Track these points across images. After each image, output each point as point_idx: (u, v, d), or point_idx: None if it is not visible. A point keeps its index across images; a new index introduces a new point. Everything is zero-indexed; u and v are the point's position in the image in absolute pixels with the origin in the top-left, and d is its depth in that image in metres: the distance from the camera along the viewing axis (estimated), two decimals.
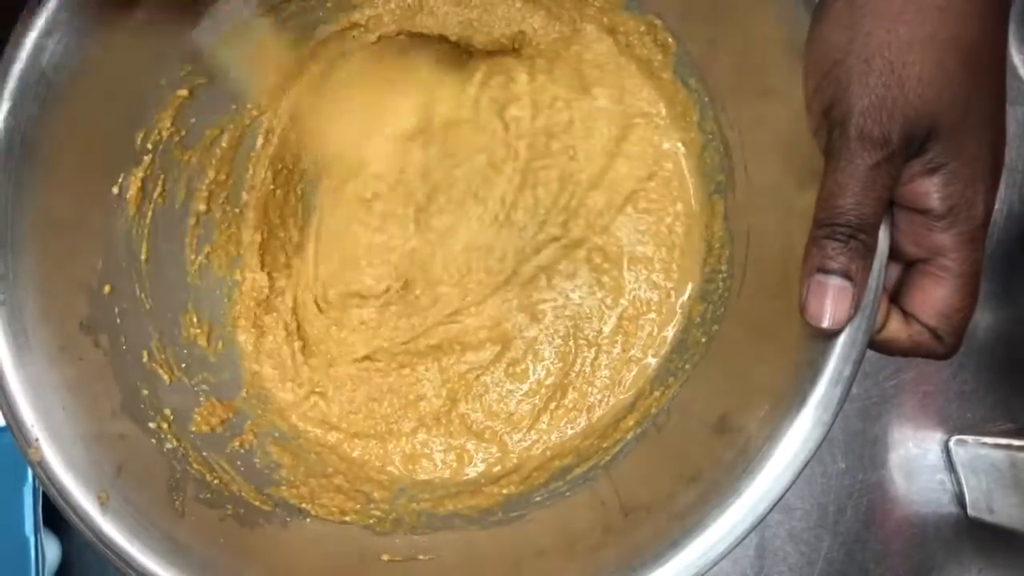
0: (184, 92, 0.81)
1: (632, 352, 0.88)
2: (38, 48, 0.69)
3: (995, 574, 0.97)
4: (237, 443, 0.82)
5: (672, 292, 0.88)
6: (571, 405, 0.88)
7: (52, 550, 0.91)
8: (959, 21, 0.55)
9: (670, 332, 0.87)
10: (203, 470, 0.76)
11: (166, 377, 0.80)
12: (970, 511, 0.96)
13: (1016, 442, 0.89)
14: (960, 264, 0.58)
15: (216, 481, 0.76)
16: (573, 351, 0.89)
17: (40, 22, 0.69)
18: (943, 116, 0.55)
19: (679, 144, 0.89)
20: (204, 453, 0.78)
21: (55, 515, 0.92)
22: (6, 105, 0.69)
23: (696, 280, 0.86)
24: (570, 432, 0.88)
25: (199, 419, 0.80)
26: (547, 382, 0.89)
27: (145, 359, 0.79)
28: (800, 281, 0.59)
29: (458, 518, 0.80)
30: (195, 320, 0.87)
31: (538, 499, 0.80)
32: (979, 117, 0.57)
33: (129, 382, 0.76)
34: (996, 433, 0.94)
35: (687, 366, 0.81)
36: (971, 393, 0.98)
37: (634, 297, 0.89)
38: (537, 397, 0.89)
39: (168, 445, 0.75)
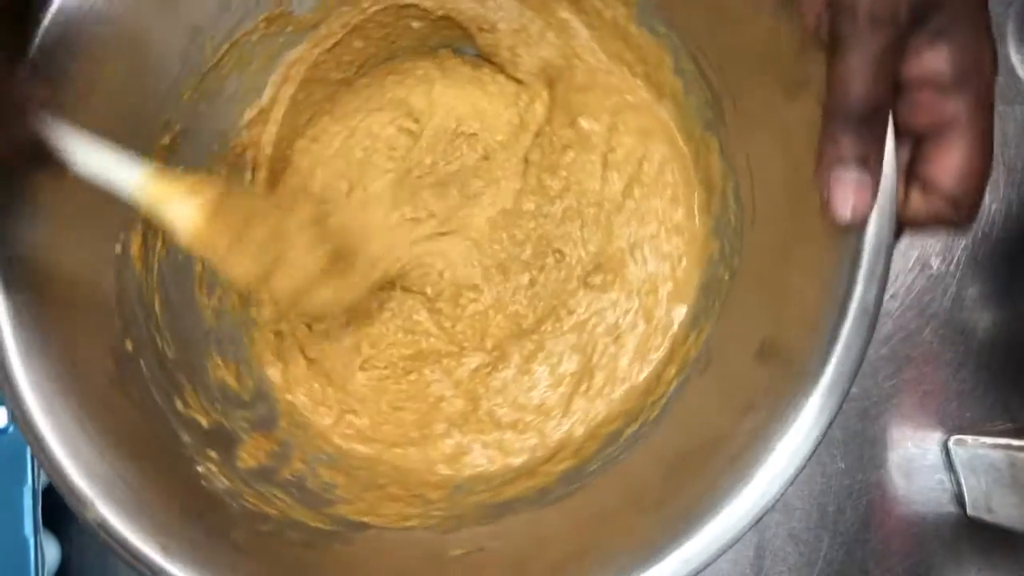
0: (166, 140, 0.81)
1: (656, 319, 0.88)
2: None
3: (994, 574, 0.96)
4: (287, 472, 0.82)
5: (683, 253, 0.88)
6: (602, 384, 0.88)
7: (52, 551, 0.91)
8: None
9: (693, 287, 0.87)
10: (259, 503, 0.76)
11: (204, 421, 0.80)
12: (969, 511, 0.95)
13: (1015, 442, 0.88)
14: (975, 125, 0.58)
15: (274, 511, 0.76)
16: (591, 343, 0.89)
17: None
18: None
19: (661, 107, 0.89)
20: (257, 486, 0.78)
21: (55, 516, 0.92)
22: None
23: (705, 228, 0.86)
24: (608, 406, 0.87)
25: (245, 455, 0.81)
26: (570, 371, 0.89)
27: (180, 407, 0.79)
28: (817, 177, 0.58)
29: (518, 502, 0.80)
30: (220, 363, 0.87)
31: (594, 467, 0.79)
32: None
33: (170, 431, 0.76)
34: (995, 433, 0.93)
35: (716, 305, 0.81)
36: (970, 393, 0.98)
37: (647, 275, 0.89)
38: (563, 385, 0.89)
39: (220, 485, 0.75)
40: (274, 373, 0.91)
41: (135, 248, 0.80)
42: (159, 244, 0.83)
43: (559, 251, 0.91)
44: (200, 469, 0.75)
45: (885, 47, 0.55)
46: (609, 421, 0.85)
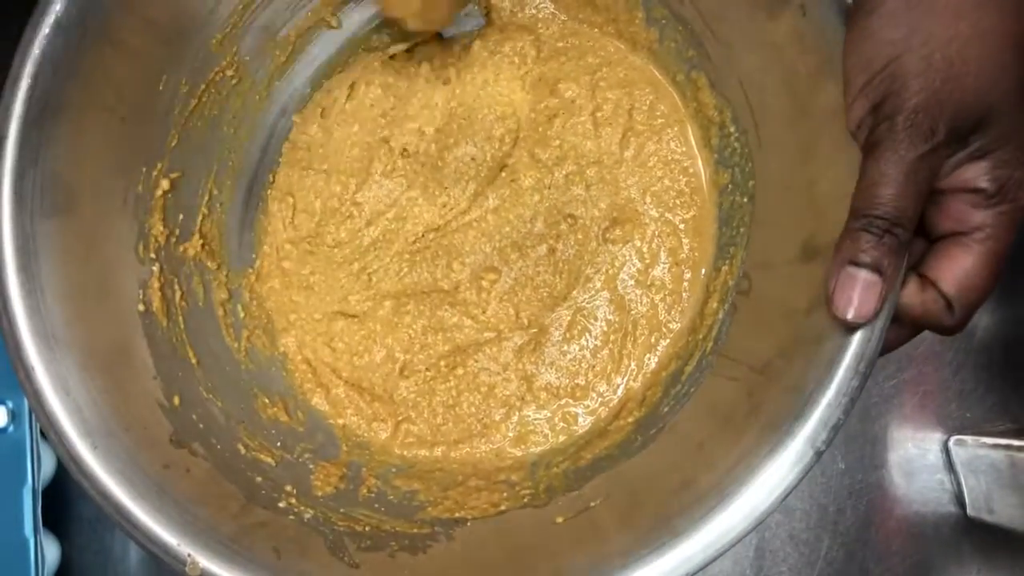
0: (166, 184, 0.82)
1: (682, 258, 0.89)
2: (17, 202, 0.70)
3: (994, 574, 0.97)
4: (364, 490, 0.82)
5: (693, 190, 0.89)
6: (647, 332, 0.89)
7: (52, 551, 0.90)
8: (1016, 17, 0.57)
9: (711, 219, 0.87)
10: (349, 524, 0.75)
11: (270, 460, 0.80)
12: (969, 511, 0.96)
13: (1015, 442, 0.89)
14: (995, 240, 0.59)
15: (367, 528, 0.75)
16: (625, 295, 0.90)
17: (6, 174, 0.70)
18: (995, 106, 0.56)
19: (637, 57, 0.91)
20: (342, 510, 0.77)
21: (55, 516, 0.92)
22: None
23: (709, 161, 0.88)
24: (659, 352, 0.88)
25: (319, 484, 0.80)
26: (612, 328, 0.89)
27: (243, 451, 0.79)
28: (830, 268, 0.59)
29: (602, 460, 0.80)
30: (267, 401, 0.86)
31: (666, 409, 0.80)
32: None
33: (240, 476, 0.76)
34: (995, 433, 0.94)
35: (741, 230, 0.82)
36: (971, 393, 0.98)
37: (663, 218, 0.90)
38: (610, 343, 0.89)
39: (306, 516, 0.75)
40: (319, 401, 0.91)
41: (156, 303, 0.80)
42: (178, 295, 0.83)
43: (571, 216, 0.92)
44: (282, 505, 0.75)
45: (919, 157, 0.56)
46: (664, 366, 0.86)
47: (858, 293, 0.57)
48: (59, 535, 0.94)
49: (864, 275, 0.57)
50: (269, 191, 0.96)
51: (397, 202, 0.94)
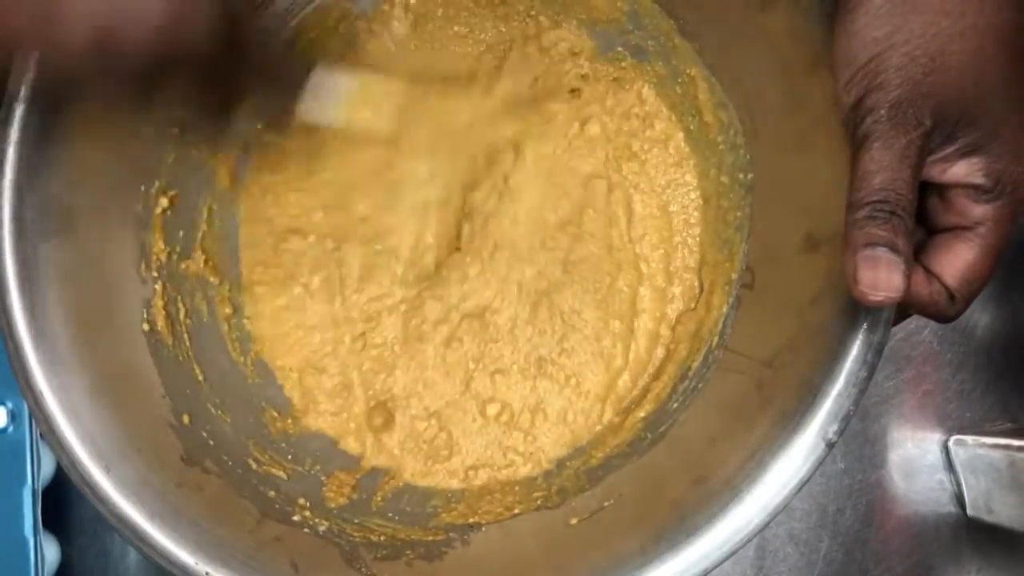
0: (165, 201, 0.82)
1: (678, 252, 0.88)
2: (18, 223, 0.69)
3: (994, 574, 0.97)
4: (379, 497, 0.82)
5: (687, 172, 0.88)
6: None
7: (51, 552, 0.90)
8: (997, 9, 0.57)
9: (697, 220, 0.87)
10: (365, 534, 0.75)
11: (282, 474, 0.79)
12: (969, 511, 0.96)
13: (1015, 442, 0.89)
14: (995, 234, 0.60)
15: (382, 537, 0.75)
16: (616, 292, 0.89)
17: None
18: (980, 100, 0.57)
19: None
20: (356, 520, 0.77)
21: (55, 516, 0.91)
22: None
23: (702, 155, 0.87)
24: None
25: (331, 495, 0.80)
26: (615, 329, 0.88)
27: (254, 466, 0.78)
28: (845, 263, 0.57)
29: (614, 459, 0.80)
30: (275, 415, 0.86)
31: (675, 405, 0.80)
32: (1020, 95, 0.58)
33: (253, 492, 0.76)
34: (995, 433, 0.94)
35: (737, 231, 0.82)
36: (970, 393, 0.98)
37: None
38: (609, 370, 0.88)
39: (321, 528, 0.74)
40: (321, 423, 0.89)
41: (161, 321, 0.79)
42: (182, 312, 0.83)
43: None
44: (296, 518, 0.75)
45: (908, 142, 0.56)
46: (673, 360, 0.86)
47: (883, 272, 0.56)
48: (59, 535, 0.93)
49: (883, 253, 0.56)
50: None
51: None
